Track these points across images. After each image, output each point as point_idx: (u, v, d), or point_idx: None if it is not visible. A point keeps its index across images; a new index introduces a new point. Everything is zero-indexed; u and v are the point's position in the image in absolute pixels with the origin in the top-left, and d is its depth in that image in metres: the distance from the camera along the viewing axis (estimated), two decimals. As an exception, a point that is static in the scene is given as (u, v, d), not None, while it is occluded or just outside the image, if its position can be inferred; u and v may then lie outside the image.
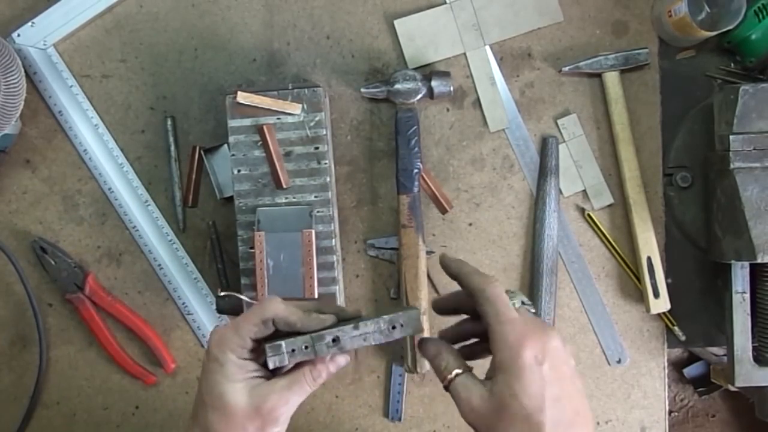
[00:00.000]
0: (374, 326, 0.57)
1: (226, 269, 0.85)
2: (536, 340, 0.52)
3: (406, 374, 0.86)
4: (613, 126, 0.84)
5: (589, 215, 0.86)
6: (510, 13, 0.84)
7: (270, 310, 0.58)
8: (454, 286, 0.85)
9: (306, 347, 0.57)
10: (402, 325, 0.57)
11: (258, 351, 0.59)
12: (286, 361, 0.57)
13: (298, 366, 0.59)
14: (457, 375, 0.55)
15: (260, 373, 0.59)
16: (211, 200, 0.86)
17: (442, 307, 0.63)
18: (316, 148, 0.79)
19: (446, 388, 0.55)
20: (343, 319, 0.59)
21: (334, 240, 0.79)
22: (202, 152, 0.84)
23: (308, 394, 0.58)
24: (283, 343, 0.57)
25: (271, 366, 0.57)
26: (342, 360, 0.59)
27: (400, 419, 0.86)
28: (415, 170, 0.82)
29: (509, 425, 0.51)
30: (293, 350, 0.57)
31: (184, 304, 0.86)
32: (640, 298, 0.86)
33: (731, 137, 0.77)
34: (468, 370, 0.55)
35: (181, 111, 0.85)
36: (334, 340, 0.57)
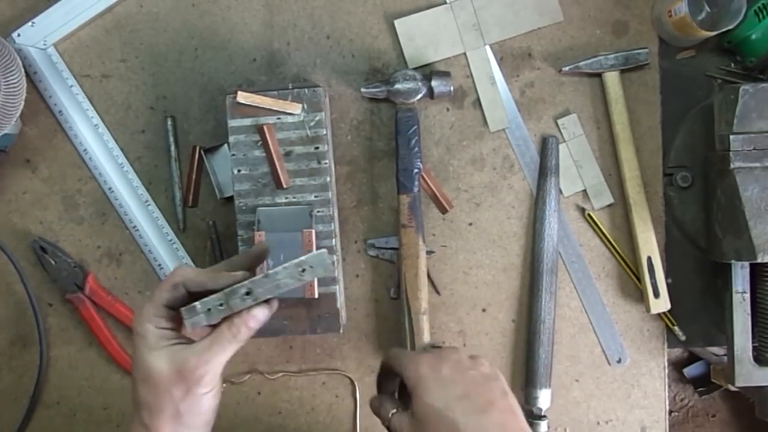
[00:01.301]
0: (284, 272, 0.58)
1: (226, 269, 0.85)
2: (431, 357, 0.62)
3: (406, 374, 0.86)
4: (613, 126, 0.84)
5: (589, 215, 0.86)
6: (510, 13, 0.84)
7: (178, 275, 0.60)
8: (455, 287, 0.86)
9: (221, 304, 0.58)
10: (311, 267, 0.58)
11: (181, 321, 0.60)
12: (203, 321, 0.58)
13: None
14: (392, 414, 0.62)
15: (184, 341, 0.60)
16: (211, 200, 0.86)
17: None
18: (316, 148, 0.79)
19: (388, 428, 0.62)
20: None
21: (334, 240, 0.79)
22: (202, 152, 0.84)
23: (232, 352, 0.59)
24: (197, 303, 0.58)
25: (189, 327, 0.58)
26: (260, 313, 0.59)
27: (400, 419, 0.86)
28: (415, 170, 0.82)
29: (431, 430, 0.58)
30: (209, 309, 0.58)
31: (184, 304, 0.86)
32: (640, 298, 0.86)
33: (731, 137, 0.77)
34: (402, 409, 0.62)
35: (181, 111, 0.85)
36: (247, 293, 0.58)
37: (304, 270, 0.58)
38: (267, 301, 0.59)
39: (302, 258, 0.58)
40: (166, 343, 0.59)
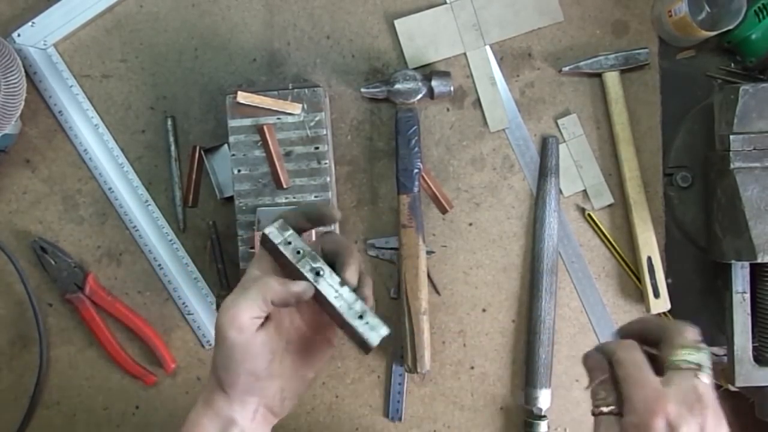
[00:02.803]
0: (351, 297, 0.56)
1: (226, 269, 0.85)
2: (674, 407, 0.50)
3: (407, 374, 0.86)
4: (613, 126, 0.84)
5: (589, 215, 0.86)
6: (510, 13, 0.84)
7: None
8: (455, 287, 0.86)
9: (298, 252, 0.57)
10: (366, 340, 0.56)
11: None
12: (277, 238, 0.57)
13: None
14: (610, 411, 0.53)
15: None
16: (211, 200, 0.86)
17: (625, 334, 0.59)
18: (316, 148, 0.79)
19: (593, 414, 0.54)
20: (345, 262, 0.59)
21: (334, 240, 0.79)
22: (202, 152, 0.84)
23: (258, 310, 0.57)
24: (280, 222, 0.57)
25: (257, 231, 0.58)
26: (297, 288, 0.57)
27: (400, 419, 0.86)
28: (415, 170, 0.82)
29: None
30: (289, 242, 0.57)
31: (184, 304, 0.86)
32: (640, 298, 0.86)
33: (731, 137, 0.77)
34: (619, 412, 0.52)
35: (181, 111, 0.85)
36: (317, 273, 0.57)
37: (360, 331, 0.56)
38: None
39: (371, 323, 0.56)
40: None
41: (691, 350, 0.53)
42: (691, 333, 0.54)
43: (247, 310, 0.57)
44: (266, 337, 0.58)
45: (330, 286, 0.57)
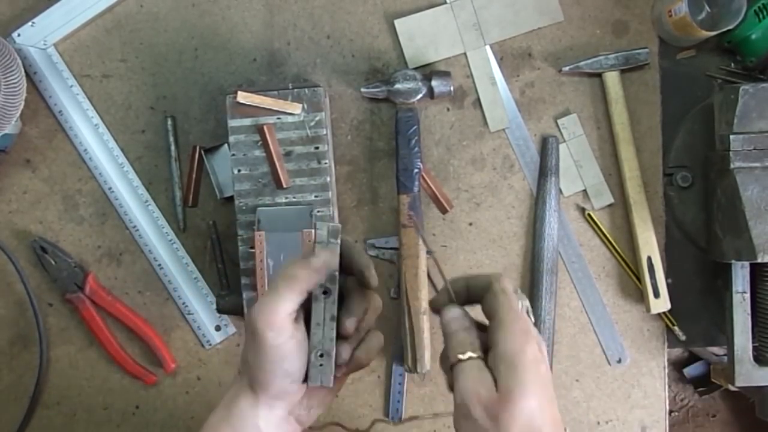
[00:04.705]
0: (318, 339, 0.56)
1: (226, 269, 0.85)
2: (535, 342, 0.52)
3: (407, 374, 0.86)
4: (613, 126, 0.84)
5: (589, 215, 0.86)
6: (510, 13, 0.84)
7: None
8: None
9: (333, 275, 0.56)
10: (308, 376, 0.56)
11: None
12: (321, 237, 0.56)
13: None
14: (470, 358, 0.53)
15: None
16: (211, 200, 0.86)
17: (438, 305, 0.60)
18: (316, 147, 0.79)
19: (458, 361, 0.53)
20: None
21: (334, 240, 0.79)
22: (202, 152, 0.84)
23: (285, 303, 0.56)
24: (336, 243, 0.56)
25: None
26: (317, 263, 0.56)
27: (400, 419, 0.86)
28: (416, 170, 0.82)
29: (513, 420, 0.49)
30: (329, 241, 0.56)
31: (184, 304, 0.86)
32: (641, 298, 0.86)
33: (731, 137, 0.77)
34: (482, 357, 0.53)
35: (182, 111, 0.85)
36: (324, 292, 0.56)
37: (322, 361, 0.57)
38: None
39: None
40: None
41: (519, 297, 0.56)
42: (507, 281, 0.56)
43: (281, 308, 0.55)
44: (302, 337, 0.57)
45: (322, 311, 0.56)
